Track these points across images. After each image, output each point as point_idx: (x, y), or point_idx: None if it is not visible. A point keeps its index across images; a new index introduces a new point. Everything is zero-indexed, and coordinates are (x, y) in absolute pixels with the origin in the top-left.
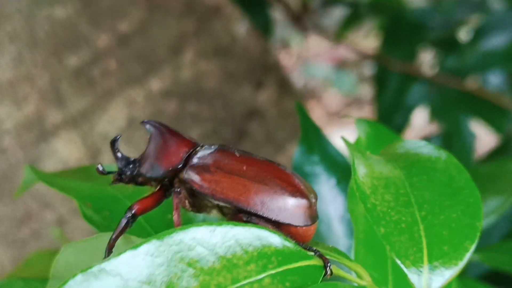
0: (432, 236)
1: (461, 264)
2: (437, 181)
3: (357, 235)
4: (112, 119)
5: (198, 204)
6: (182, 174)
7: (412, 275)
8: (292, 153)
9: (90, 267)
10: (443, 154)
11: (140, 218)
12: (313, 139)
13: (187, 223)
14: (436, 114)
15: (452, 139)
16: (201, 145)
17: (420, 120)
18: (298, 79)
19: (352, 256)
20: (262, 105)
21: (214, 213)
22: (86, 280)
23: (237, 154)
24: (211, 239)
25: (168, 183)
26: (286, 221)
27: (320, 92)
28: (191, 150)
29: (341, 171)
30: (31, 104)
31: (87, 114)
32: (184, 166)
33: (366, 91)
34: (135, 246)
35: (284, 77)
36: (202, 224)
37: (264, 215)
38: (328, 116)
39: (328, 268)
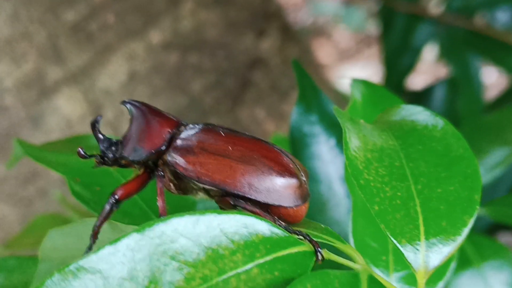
0: (429, 212)
1: (460, 239)
2: (433, 151)
3: (355, 205)
4: (113, 73)
5: (184, 187)
6: (166, 156)
7: (408, 253)
8: None
9: (67, 265)
10: (440, 122)
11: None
12: (311, 98)
13: (175, 205)
14: (444, 54)
15: (460, 82)
16: (185, 124)
17: (430, 57)
18: (306, 17)
19: (351, 226)
20: (265, 53)
21: (201, 195)
22: (65, 280)
23: (222, 133)
24: (194, 229)
25: (152, 165)
26: (276, 202)
27: (329, 30)
28: (174, 131)
29: (341, 130)
30: (30, 61)
31: (87, 70)
32: (168, 147)
33: (376, 27)
34: (115, 241)
35: (287, 23)
36: (184, 214)
37: (252, 198)
38: (338, 54)
39: (318, 253)
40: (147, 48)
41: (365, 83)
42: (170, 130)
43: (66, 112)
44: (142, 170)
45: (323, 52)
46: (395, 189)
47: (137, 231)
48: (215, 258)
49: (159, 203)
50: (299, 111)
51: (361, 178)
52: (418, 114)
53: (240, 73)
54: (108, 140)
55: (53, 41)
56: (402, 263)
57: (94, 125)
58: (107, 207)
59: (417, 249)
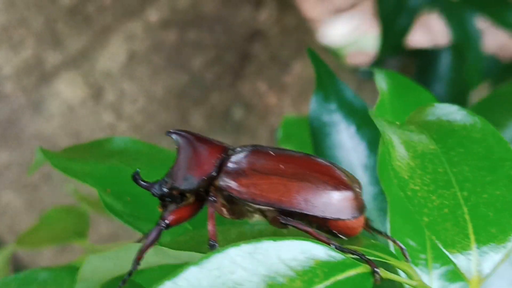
0: (478, 219)
1: (510, 245)
2: (475, 154)
3: (392, 204)
4: (113, 55)
5: (238, 211)
6: (217, 181)
7: (461, 263)
8: (298, 72)
9: None
10: (478, 121)
11: None
12: (329, 86)
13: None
14: (443, 14)
15: (463, 47)
16: (232, 148)
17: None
18: None
19: (388, 226)
20: (263, 24)
21: (256, 218)
22: None
23: (272, 153)
24: (252, 259)
25: (203, 193)
26: (334, 216)
27: None
28: (223, 156)
29: (360, 117)
30: (28, 48)
31: (86, 53)
32: (218, 173)
33: None
34: (173, 275)
35: None
36: (240, 244)
37: (310, 213)
38: (329, 13)
39: (376, 274)
40: (145, 27)
41: (389, 74)
42: (219, 155)
43: (67, 97)
44: (193, 199)
45: (315, 10)
46: (442, 198)
47: (195, 264)
48: (274, 286)
49: (210, 227)
50: (317, 100)
51: (408, 189)
52: (455, 114)
53: (239, 47)
54: (155, 183)
55: (50, 25)
56: (441, 260)
57: (136, 179)
58: (156, 231)
59: (469, 259)
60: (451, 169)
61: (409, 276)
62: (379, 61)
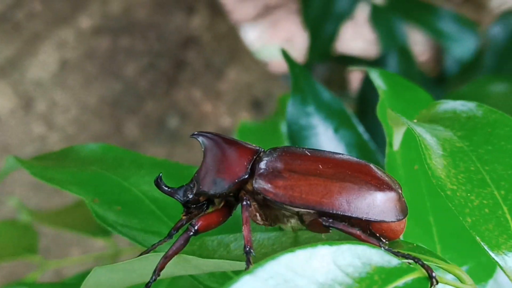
0: None
1: None
2: (505, 152)
3: None
4: (43, 63)
5: (274, 216)
6: (250, 184)
7: (507, 265)
8: (232, 78)
9: None
10: (501, 117)
11: None
12: (306, 88)
13: None
14: (372, 21)
15: (409, 51)
16: (263, 150)
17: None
18: None
19: None
20: (196, 31)
21: (292, 223)
22: None
23: (308, 153)
24: (308, 266)
25: (232, 198)
26: (378, 218)
27: None
28: (254, 157)
29: (338, 118)
30: None
31: (15, 61)
32: (251, 175)
33: None
34: (227, 286)
35: None
36: (295, 249)
37: (354, 216)
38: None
39: (433, 279)
40: (77, 34)
41: (384, 73)
42: (250, 157)
43: None
44: (222, 204)
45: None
46: (480, 197)
47: (249, 272)
48: None
49: (245, 233)
50: (294, 103)
51: (447, 188)
52: (475, 110)
53: (173, 54)
54: (179, 189)
55: None
56: (453, 263)
57: (159, 184)
58: (184, 237)
59: None
60: (483, 167)
61: (461, 280)
62: (307, 67)
